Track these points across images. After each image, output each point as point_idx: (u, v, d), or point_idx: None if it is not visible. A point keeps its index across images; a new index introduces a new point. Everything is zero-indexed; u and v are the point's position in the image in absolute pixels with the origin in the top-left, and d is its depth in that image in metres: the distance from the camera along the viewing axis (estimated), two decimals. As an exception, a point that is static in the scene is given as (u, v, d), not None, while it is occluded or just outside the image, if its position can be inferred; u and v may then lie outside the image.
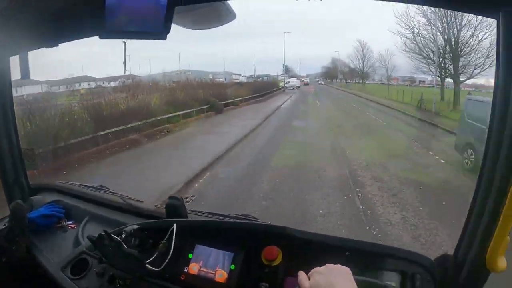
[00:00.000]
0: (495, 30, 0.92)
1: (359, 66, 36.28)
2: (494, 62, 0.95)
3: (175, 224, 1.34)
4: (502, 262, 0.96)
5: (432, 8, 16.96)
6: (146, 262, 1.30)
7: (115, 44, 1.23)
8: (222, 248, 1.31)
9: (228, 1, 1.22)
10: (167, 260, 1.29)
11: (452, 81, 16.86)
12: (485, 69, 15.08)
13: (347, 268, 0.87)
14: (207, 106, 16.96)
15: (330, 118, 15.96)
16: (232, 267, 1.26)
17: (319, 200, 5.70)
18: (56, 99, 12.65)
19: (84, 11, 1.20)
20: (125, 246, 1.33)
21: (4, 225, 1.59)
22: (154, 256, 1.30)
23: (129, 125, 10.98)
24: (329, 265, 0.87)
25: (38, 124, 8.40)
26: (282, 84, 38.27)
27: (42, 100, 11.44)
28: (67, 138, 8.66)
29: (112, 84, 19.62)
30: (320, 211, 5.25)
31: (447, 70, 17.33)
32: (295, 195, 6.00)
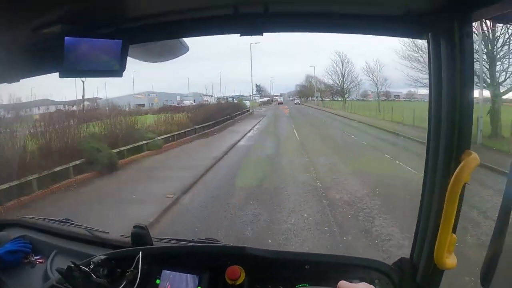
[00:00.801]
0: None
1: (339, 82, 33.37)
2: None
3: (140, 252, 1.39)
4: (451, 260, 1.05)
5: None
6: None
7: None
8: (188, 271, 1.37)
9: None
10: (135, 287, 1.33)
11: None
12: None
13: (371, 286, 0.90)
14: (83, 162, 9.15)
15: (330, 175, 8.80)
16: None
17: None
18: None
19: (45, 50, 1.27)
20: (94, 276, 1.34)
21: None
22: (122, 284, 1.34)
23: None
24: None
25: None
26: (254, 104, 36.57)
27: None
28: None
29: (75, 107, 18.75)
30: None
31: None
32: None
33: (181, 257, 1.43)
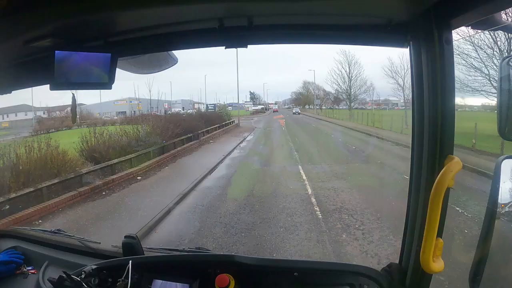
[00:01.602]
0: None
1: (345, 86, 27.94)
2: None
3: (130, 262, 1.39)
4: (438, 264, 1.05)
5: None
6: None
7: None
8: (178, 280, 1.37)
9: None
10: None
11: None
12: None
13: None
14: None
15: None
16: None
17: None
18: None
19: (36, 63, 1.29)
20: (85, 286, 1.35)
21: None
22: None
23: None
24: None
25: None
26: (245, 113, 34.14)
27: None
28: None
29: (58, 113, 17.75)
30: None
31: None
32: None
33: (171, 266, 1.44)
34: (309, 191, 7.67)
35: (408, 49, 1.14)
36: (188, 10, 1.09)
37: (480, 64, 13.34)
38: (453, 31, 1.07)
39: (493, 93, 12.88)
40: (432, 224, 1.01)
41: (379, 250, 4.76)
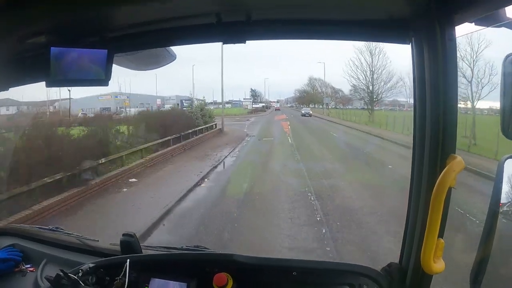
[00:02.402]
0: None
1: (365, 82, 21.58)
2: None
3: (128, 260, 1.38)
4: (438, 264, 1.04)
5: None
6: None
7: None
8: (176, 279, 1.36)
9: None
10: None
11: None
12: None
13: None
14: None
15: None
16: None
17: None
18: None
19: (31, 60, 1.28)
20: (82, 284, 1.34)
21: None
22: None
23: None
24: None
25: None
26: (242, 112, 29.77)
27: None
28: None
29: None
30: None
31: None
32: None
33: (169, 265, 1.43)
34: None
35: (410, 45, 1.11)
36: (186, 5, 1.06)
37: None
38: (456, 28, 1.05)
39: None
40: (433, 224, 0.99)
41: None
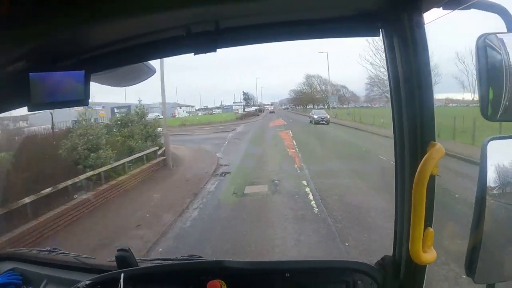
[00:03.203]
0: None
1: (381, 75, 18.20)
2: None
3: (122, 274, 1.40)
4: (429, 254, 1.03)
5: None
6: None
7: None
8: None
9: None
10: None
11: None
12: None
13: None
14: None
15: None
16: None
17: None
18: None
19: (11, 86, 1.30)
20: None
21: None
22: None
23: None
24: None
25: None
26: (231, 117, 27.53)
27: None
28: None
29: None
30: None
31: None
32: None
33: (163, 276, 1.44)
34: None
35: (380, 38, 1.11)
36: (156, 20, 1.08)
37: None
38: (424, 14, 1.05)
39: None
40: (418, 213, 0.98)
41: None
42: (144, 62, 1.37)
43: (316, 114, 23.05)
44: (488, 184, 1.05)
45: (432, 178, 1.01)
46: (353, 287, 1.25)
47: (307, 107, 31.09)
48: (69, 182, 7.53)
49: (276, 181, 8.54)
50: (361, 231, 5.48)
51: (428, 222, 1.02)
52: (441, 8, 1.03)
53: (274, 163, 10.76)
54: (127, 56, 1.20)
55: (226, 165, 10.98)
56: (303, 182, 8.39)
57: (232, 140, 17.57)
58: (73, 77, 1.20)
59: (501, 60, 1.02)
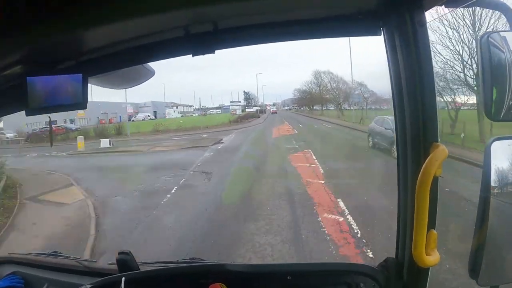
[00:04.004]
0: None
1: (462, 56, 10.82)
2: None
3: (123, 278, 1.40)
4: (432, 257, 1.02)
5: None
6: None
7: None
8: None
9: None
10: None
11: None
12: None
13: None
14: None
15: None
16: None
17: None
18: None
19: (8, 91, 1.29)
20: None
21: None
22: None
23: None
24: None
25: None
26: (223, 119, 23.51)
27: None
28: None
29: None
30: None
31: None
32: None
33: (165, 280, 1.44)
34: None
35: (382, 37, 1.09)
36: (154, 22, 1.06)
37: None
38: (426, 13, 1.03)
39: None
40: (421, 215, 0.96)
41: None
42: (143, 64, 1.36)
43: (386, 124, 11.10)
44: (492, 184, 1.04)
45: (436, 179, 1.00)
46: None
47: (313, 108, 27.34)
48: None
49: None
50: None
51: (431, 224, 1.01)
52: (443, 6, 1.02)
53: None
54: (125, 58, 1.19)
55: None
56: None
57: (197, 176, 9.98)
58: (71, 80, 1.18)
59: (505, 58, 1.01)
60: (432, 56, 1.03)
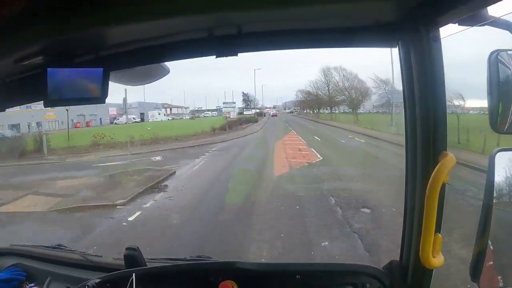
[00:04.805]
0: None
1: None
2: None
3: (134, 274, 1.40)
4: (438, 259, 1.07)
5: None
6: None
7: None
8: None
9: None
10: None
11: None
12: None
13: None
14: None
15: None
16: None
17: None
18: None
19: (28, 81, 1.30)
20: None
21: None
22: None
23: None
24: None
25: None
26: (214, 123, 18.32)
27: None
28: None
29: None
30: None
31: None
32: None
33: (173, 276, 1.45)
34: None
35: (397, 48, 1.15)
36: (178, 22, 1.09)
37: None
38: (440, 29, 1.09)
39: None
40: (430, 220, 1.02)
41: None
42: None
43: None
44: (495, 194, 1.10)
45: (443, 186, 1.05)
46: None
47: (320, 111, 23.63)
48: None
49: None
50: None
51: (437, 229, 1.06)
52: (457, 24, 1.08)
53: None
54: (148, 56, 1.21)
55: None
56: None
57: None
58: (91, 74, 1.20)
59: (511, 75, 1.08)
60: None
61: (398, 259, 1.28)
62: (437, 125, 1.07)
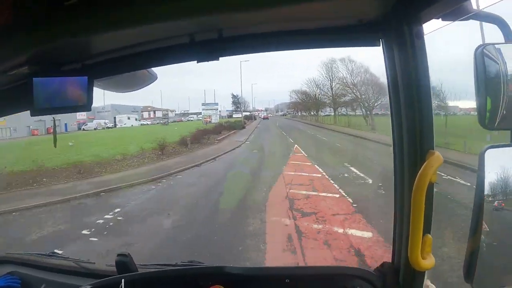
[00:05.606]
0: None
1: None
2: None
3: (123, 280, 1.40)
4: (428, 260, 1.05)
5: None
6: None
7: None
8: None
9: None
10: None
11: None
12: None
13: None
14: None
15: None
16: None
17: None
18: None
19: (14, 91, 1.31)
20: None
21: None
22: None
23: None
24: None
25: None
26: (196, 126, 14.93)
27: None
28: None
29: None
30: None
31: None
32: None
33: (163, 282, 1.45)
34: None
35: (381, 47, 1.13)
36: (161, 28, 1.09)
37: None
38: (424, 25, 1.07)
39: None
40: (417, 220, 0.99)
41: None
42: (147, 69, 1.39)
43: None
44: (485, 192, 1.07)
45: (431, 186, 1.03)
46: None
47: (317, 113, 20.70)
48: None
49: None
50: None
51: (426, 229, 1.03)
52: (440, 19, 1.06)
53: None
54: (131, 63, 1.22)
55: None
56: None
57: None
58: (77, 82, 1.21)
59: (499, 70, 1.05)
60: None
61: (390, 261, 1.25)
62: (423, 123, 1.05)
